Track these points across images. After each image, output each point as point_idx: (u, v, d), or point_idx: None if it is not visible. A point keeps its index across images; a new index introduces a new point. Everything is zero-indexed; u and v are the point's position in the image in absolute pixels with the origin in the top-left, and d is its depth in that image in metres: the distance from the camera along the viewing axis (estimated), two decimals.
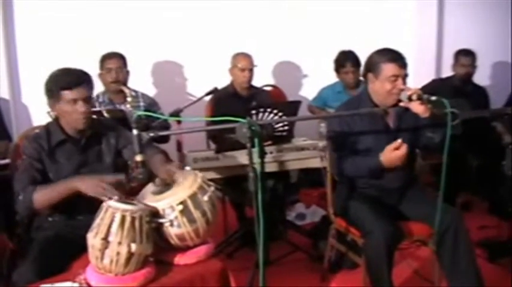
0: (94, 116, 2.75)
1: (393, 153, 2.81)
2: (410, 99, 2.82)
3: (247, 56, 4.20)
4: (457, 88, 4.55)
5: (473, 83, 4.76)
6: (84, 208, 2.47)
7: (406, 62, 2.96)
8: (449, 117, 2.64)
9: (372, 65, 2.99)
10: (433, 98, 2.77)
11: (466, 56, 4.60)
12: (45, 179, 2.58)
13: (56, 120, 2.68)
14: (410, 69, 3.01)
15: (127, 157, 2.76)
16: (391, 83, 2.90)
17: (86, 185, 2.41)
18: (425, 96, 2.80)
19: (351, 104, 3.18)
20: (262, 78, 4.40)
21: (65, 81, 2.53)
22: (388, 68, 2.91)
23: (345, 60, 4.46)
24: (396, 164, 2.84)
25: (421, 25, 5.49)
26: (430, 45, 5.54)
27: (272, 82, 4.90)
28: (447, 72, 4.88)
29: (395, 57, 2.94)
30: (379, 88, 2.96)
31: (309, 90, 5.15)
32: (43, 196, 2.48)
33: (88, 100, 2.59)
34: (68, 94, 2.51)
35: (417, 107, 2.85)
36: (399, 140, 2.81)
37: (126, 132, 2.80)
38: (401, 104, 2.89)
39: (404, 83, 2.93)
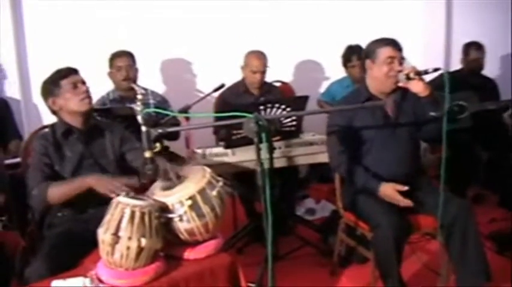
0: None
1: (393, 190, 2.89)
2: (408, 78, 2.86)
3: (259, 58, 4.11)
4: (466, 81, 4.52)
5: (482, 76, 4.73)
6: (93, 201, 2.54)
7: (401, 46, 3.02)
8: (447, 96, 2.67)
9: (369, 52, 3.07)
10: (430, 69, 2.82)
11: (476, 50, 4.60)
12: (54, 173, 2.69)
13: (58, 116, 2.80)
14: (419, 64, 3.04)
15: (130, 159, 2.87)
16: (388, 65, 2.97)
17: (98, 182, 2.49)
18: (422, 71, 2.85)
19: (350, 97, 3.25)
20: (274, 74, 4.39)
21: (61, 72, 2.75)
22: (384, 51, 2.98)
23: (351, 54, 4.48)
24: (390, 197, 2.90)
25: (429, 19, 5.49)
26: (439, 39, 5.53)
27: (283, 78, 4.89)
28: (456, 65, 4.86)
29: (389, 41, 3.03)
30: (377, 72, 3.02)
31: (323, 87, 5.17)
32: (57, 192, 2.57)
33: (84, 82, 2.78)
34: (67, 80, 2.72)
35: (417, 85, 2.88)
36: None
37: (131, 137, 2.93)
38: (400, 84, 2.94)
39: (400, 65, 2.98)
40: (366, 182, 3.00)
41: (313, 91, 4.89)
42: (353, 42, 4.56)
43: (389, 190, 2.90)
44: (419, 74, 2.85)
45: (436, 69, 2.83)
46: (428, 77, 4.01)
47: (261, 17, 4.98)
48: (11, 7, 4.26)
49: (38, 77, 4.27)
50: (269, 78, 4.31)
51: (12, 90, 4.38)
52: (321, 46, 5.17)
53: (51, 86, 2.72)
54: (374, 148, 3.08)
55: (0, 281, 2.49)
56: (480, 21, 5.47)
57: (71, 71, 2.76)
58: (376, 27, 4.97)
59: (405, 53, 3.06)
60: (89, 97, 2.77)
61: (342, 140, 3.09)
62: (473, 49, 4.61)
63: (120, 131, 2.94)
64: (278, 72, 4.61)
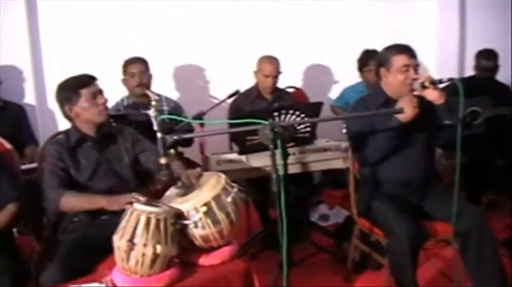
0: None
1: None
2: (423, 86, 2.85)
3: (272, 62, 4.14)
4: (480, 87, 4.48)
5: (496, 81, 4.69)
6: None
7: (415, 53, 3.00)
8: (461, 102, 2.65)
9: (383, 59, 3.04)
10: (445, 78, 2.81)
11: (487, 60, 4.56)
12: (69, 177, 2.70)
13: (72, 123, 2.80)
14: (433, 70, 3.02)
15: (144, 161, 2.87)
16: (403, 73, 2.94)
17: (111, 204, 2.52)
18: (437, 81, 2.83)
19: (365, 100, 3.22)
20: (286, 79, 4.40)
21: (81, 80, 2.71)
22: (399, 59, 2.95)
23: (368, 58, 4.43)
24: (413, 112, 2.81)
25: (443, 24, 5.46)
26: (453, 45, 5.49)
27: (295, 83, 4.90)
28: (470, 71, 4.82)
29: (403, 48, 2.99)
30: (393, 81, 3.00)
31: (334, 92, 5.16)
32: (71, 202, 2.60)
33: (102, 93, 2.76)
34: (87, 90, 2.68)
35: (432, 94, 2.87)
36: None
37: (142, 138, 2.93)
38: (416, 93, 2.91)
39: (416, 73, 2.96)
40: (388, 128, 2.93)
41: (324, 96, 4.91)
42: (365, 47, 4.55)
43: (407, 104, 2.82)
44: (434, 83, 2.83)
45: (450, 79, 2.81)
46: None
47: (273, 23, 4.98)
48: (27, 12, 4.29)
49: (53, 82, 4.34)
50: (281, 83, 4.31)
51: (27, 96, 4.41)
52: (332, 51, 5.16)
53: (70, 94, 2.69)
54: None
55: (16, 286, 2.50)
56: (494, 25, 5.45)
57: (90, 80, 2.73)
58: (388, 30, 4.98)
59: (419, 56, 3.04)
60: (107, 108, 2.77)
61: (362, 143, 3.06)
62: (485, 58, 4.57)
63: (131, 134, 2.93)
64: (290, 78, 4.61)
